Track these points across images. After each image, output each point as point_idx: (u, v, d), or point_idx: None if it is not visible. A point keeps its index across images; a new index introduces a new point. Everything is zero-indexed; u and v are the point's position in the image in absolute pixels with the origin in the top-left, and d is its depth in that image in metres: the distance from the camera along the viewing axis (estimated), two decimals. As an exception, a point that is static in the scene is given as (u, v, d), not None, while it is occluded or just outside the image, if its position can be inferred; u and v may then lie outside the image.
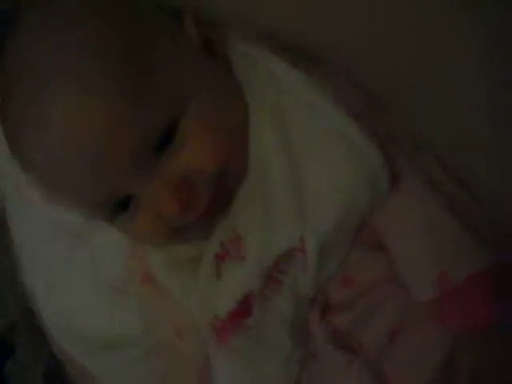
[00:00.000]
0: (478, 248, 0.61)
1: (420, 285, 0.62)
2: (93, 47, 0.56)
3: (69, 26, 0.57)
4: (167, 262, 0.67)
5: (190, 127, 0.58)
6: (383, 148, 0.60)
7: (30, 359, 0.96)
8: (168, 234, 0.62)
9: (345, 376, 0.64)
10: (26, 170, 0.62)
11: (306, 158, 0.60)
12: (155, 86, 0.57)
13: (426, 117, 0.65)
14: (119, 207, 0.61)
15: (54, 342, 0.88)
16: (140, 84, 0.56)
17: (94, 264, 0.80)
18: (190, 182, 0.58)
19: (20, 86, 0.57)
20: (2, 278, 0.93)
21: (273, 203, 0.61)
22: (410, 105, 0.65)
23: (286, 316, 0.63)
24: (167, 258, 0.67)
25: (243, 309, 0.62)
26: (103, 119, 0.55)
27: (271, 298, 0.63)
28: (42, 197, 0.73)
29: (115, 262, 0.78)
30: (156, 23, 0.62)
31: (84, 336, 0.82)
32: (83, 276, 0.81)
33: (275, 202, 0.61)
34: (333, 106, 0.60)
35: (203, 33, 0.64)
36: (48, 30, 0.57)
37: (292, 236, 0.60)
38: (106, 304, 0.80)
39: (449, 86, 0.64)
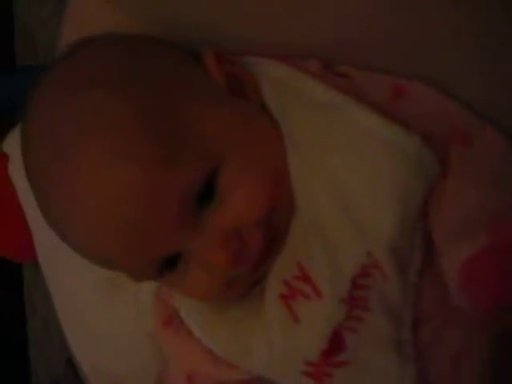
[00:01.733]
0: None
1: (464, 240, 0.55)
2: (118, 112, 0.53)
3: (93, 88, 0.54)
4: (204, 306, 0.63)
5: (231, 177, 0.55)
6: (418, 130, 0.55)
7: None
8: (225, 286, 0.59)
9: None
10: (64, 241, 0.59)
11: (346, 173, 0.57)
12: (186, 142, 0.54)
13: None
14: (166, 266, 0.58)
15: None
16: (171, 144, 0.53)
17: (137, 314, 0.75)
18: (238, 232, 0.56)
19: (46, 157, 0.55)
20: (42, 328, 0.90)
21: (329, 230, 0.57)
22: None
23: (383, 334, 0.57)
24: (207, 307, 0.63)
25: (336, 344, 0.57)
26: (139, 187, 0.52)
27: (362, 317, 0.57)
28: None
29: None
30: (179, 74, 0.58)
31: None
32: (124, 327, 0.78)
33: (330, 228, 0.57)
34: (357, 106, 0.57)
35: (227, 68, 0.60)
36: (72, 94, 0.54)
37: (358, 254, 0.56)
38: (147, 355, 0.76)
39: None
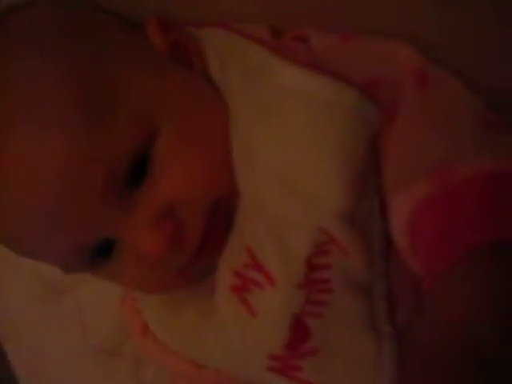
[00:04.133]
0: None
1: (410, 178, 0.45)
2: (44, 75, 0.49)
3: (18, 51, 0.51)
4: (160, 309, 0.58)
5: (168, 149, 0.50)
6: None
7: None
8: (162, 279, 0.54)
9: None
10: None
11: (283, 144, 0.50)
12: (117, 111, 0.49)
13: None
14: (99, 256, 0.52)
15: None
16: (99, 112, 0.49)
17: (80, 324, 0.71)
18: (174, 213, 0.50)
19: None
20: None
21: (274, 210, 0.51)
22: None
23: (352, 313, 0.51)
24: (159, 305, 0.58)
25: (300, 333, 0.52)
26: (61, 153, 0.47)
27: (325, 301, 0.51)
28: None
29: (105, 320, 0.70)
30: (116, 41, 0.55)
31: None
32: (69, 339, 0.73)
33: (275, 208, 0.50)
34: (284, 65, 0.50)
35: (172, 38, 0.56)
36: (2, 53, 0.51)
37: (308, 232, 0.49)
38: (96, 371, 0.71)
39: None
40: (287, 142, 0.49)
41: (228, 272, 0.53)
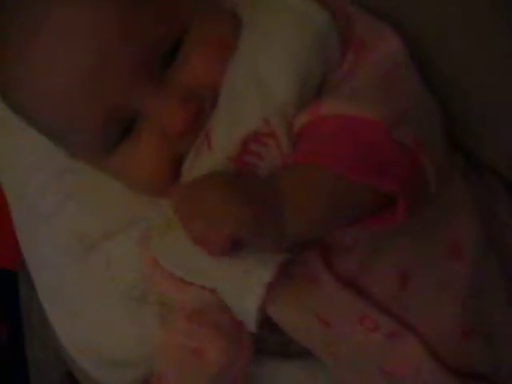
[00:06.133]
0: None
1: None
2: None
3: None
4: (162, 236, 0.64)
5: (194, 44, 0.59)
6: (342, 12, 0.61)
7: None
8: (170, 163, 0.61)
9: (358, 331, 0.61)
10: (19, 104, 0.62)
11: (264, 44, 0.60)
12: (160, 2, 0.58)
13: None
14: (121, 133, 0.61)
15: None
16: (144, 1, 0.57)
17: (110, 272, 0.75)
18: (196, 97, 0.59)
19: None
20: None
21: (238, 96, 0.60)
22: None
23: None
24: (162, 226, 0.64)
25: None
26: (103, 30, 0.56)
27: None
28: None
29: (131, 271, 0.74)
30: None
31: (116, 360, 0.78)
32: (100, 289, 0.77)
33: (240, 94, 0.59)
34: None
35: None
36: None
37: (253, 118, 0.58)
38: (129, 318, 0.75)
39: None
40: (266, 37, 0.60)
41: (191, 152, 0.61)
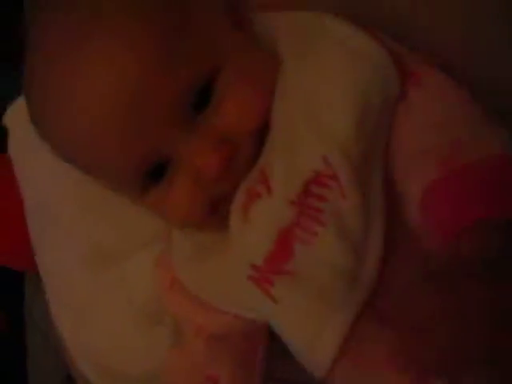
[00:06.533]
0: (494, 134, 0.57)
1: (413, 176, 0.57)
2: (127, 3, 0.55)
3: None
4: (190, 258, 0.63)
5: (228, 84, 0.57)
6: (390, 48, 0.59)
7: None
8: (206, 206, 0.59)
9: None
10: (52, 139, 0.61)
11: (317, 79, 0.58)
12: (192, 42, 0.56)
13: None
14: (154, 177, 0.59)
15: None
16: (177, 40, 0.56)
17: (126, 288, 0.74)
18: (231, 140, 0.57)
19: (48, 41, 0.57)
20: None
21: (294, 136, 0.58)
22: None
23: (334, 257, 0.55)
24: (189, 255, 0.63)
25: (282, 250, 0.56)
26: (138, 72, 0.54)
27: (315, 231, 0.55)
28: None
29: (149, 288, 0.72)
30: None
31: (119, 372, 0.76)
32: (113, 303, 0.75)
33: (296, 134, 0.57)
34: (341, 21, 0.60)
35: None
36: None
37: (313, 157, 0.56)
38: (140, 335, 0.74)
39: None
40: (319, 76, 0.57)
41: (241, 192, 0.58)
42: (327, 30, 0.60)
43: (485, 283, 0.50)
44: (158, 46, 0.54)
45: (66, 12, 0.56)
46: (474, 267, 0.51)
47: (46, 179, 0.78)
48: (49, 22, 0.57)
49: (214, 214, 0.59)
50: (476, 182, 0.54)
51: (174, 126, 0.56)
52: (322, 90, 0.57)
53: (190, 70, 0.55)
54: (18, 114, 0.82)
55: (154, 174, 0.58)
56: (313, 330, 0.55)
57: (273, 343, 0.63)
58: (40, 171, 0.79)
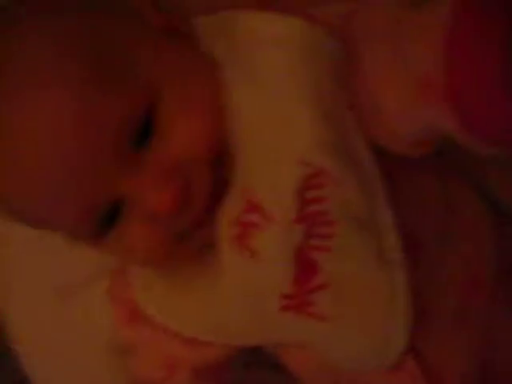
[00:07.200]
0: None
1: None
2: (53, 38, 0.51)
3: (28, 17, 0.53)
4: (165, 291, 0.60)
5: (170, 111, 0.52)
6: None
7: None
8: (167, 244, 0.55)
9: None
10: None
11: (263, 91, 0.54)
12: (125, 73, 0.52)
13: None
14: (106, 221, 0.54)
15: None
16: (109, 72, 0.51)
17: (91, 324, 0.72)
18: (182, 169, 0.52)
19: None
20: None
21: (263, 153, 0.53)
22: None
23: (357, 245, 0.52)
24: (164, 287, 0.60)
25: (305, 268, 0.52)
26: (72, 112, 0.49)
27: (329, 233, 0.52)
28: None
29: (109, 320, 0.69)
30: (115, 14, 0.57)
31: None
32: (80, 336, 0.74)
33: (264, 150, 0.53)
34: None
35: (163, 15, 0.59)
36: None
37: (291, 165, 0.52)
38: (106, 372, 0.72)
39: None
40: (262, 87, 0.53)
41: (227, 224, 0.54)
42: (249, 28, 0.55)
43: None
44: (90, 81, 0.50)
45: None
46: None
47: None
48: None
49: (179, 247, 0.55)
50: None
51: (117, 166, 0.51)
52: (272, 98, 0.53)
53: (129, 101, 0.50)
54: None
55: (107, 219, 0.54)
56: (379, 330, 0.52)
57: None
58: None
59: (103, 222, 0.54)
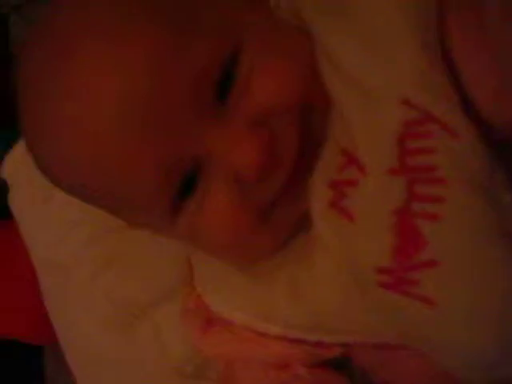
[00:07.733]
0: None
1: None
2: None
3: None
4: (246, 285, 0.53)
5: (254, 60, 0.47)
6: None
7: None
8: (253, 217, 0.48)
9: None
10: (53, 165, 0.50)
11: (358, 28, 0.47)
12: (197, 22, 0.47)
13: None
14: (185, 189, 0.48)
15: None
16: (178, 23, 0.46)
17: (159, 347, 0.67)
18: (267, 123, 0.46)
19: (43, 58, 0.47)
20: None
21: (361, 98, 0.46)
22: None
23: (476, 218, 0.42)
24: (245, 282, 0.53)
25: (409, 238, 0.43)
26: (144, 71, 0.44)
27: (439, 196, 0.43)
28: None
29: (185, 342, 0.64)
30: None
31: None
32: (146, 364, 0.68)
33: (363, 94, 0.46)
34: None
35: None
36: None
37: (392, 106, 0.44)
38: None
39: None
40: (357, 24, 0.47)
41: (324, 187, 0.47)
42: None
43: None
44: (161, 33, 0.45)
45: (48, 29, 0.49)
46: None
47: (52, 236, 0.73)
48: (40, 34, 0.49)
49: (265, 223, 0.48)
50: None
51: (199, 118, 0.46)
52: (370, 35, 0.46)
53: (210, 43, 0.46)
54: (14, 164, 0.76)
55: (186, 187, 0.48)
56: (495, 324, 0.42)
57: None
58: (45, 227, 0.74)
59: (183, 188, 0.47)
